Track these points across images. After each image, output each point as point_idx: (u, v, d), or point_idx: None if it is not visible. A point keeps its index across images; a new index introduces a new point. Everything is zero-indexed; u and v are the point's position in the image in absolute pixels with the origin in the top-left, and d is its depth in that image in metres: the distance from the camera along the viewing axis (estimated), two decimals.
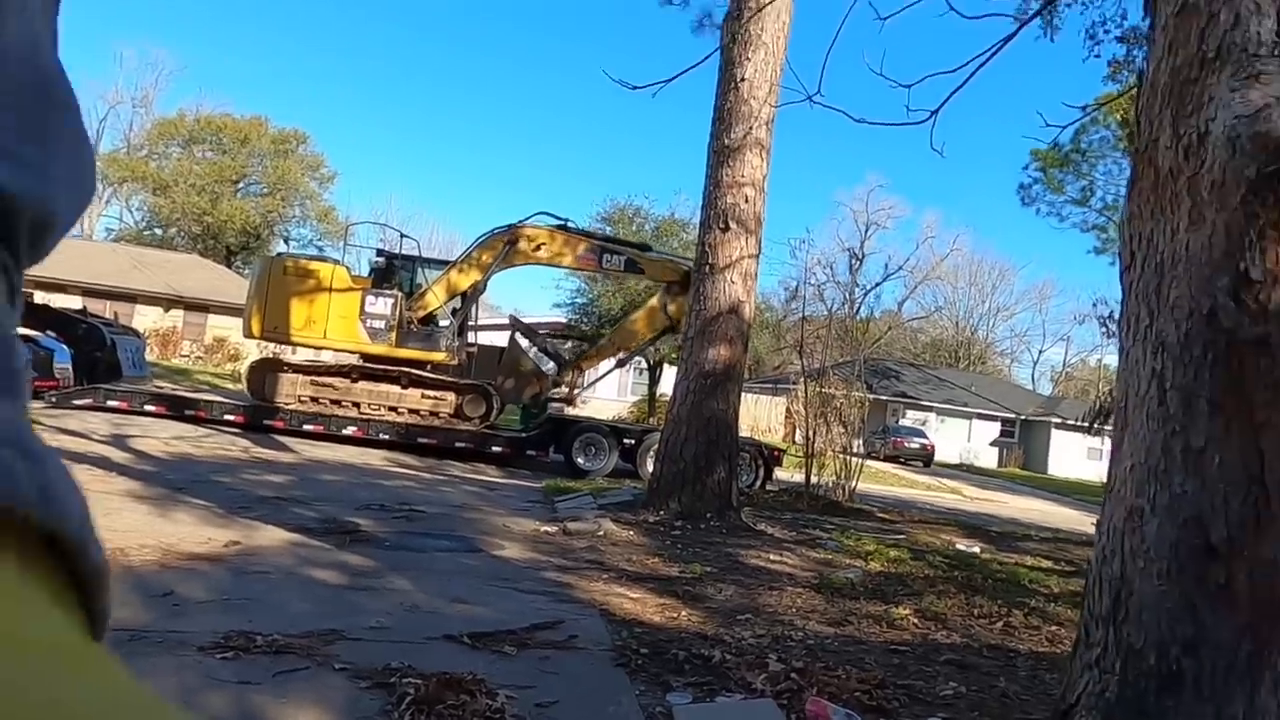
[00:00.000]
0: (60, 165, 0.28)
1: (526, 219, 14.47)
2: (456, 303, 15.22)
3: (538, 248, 14.36)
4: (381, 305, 14.70)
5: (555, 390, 15.90)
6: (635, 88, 4.35)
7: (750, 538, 7.50)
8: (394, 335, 14.55)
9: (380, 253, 16.59)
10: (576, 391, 16.69)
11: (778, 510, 9.88)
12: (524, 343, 15.93)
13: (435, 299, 14.73)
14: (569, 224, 14.70)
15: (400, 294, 14.68)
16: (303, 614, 4.08)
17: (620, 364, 16.55)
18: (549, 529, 7.22)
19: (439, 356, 14.84)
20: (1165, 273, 2.43)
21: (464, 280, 14.57)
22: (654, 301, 15.09)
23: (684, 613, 4.74)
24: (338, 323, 14.71)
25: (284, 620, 3.91)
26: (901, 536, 8.73)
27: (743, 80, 8.03)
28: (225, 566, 4.83)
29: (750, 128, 8.06)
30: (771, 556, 6.71)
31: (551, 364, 15.89)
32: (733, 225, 8.02)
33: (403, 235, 17.30)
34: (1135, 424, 2.50)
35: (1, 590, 0.21)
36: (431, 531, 6.67)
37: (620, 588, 5.23)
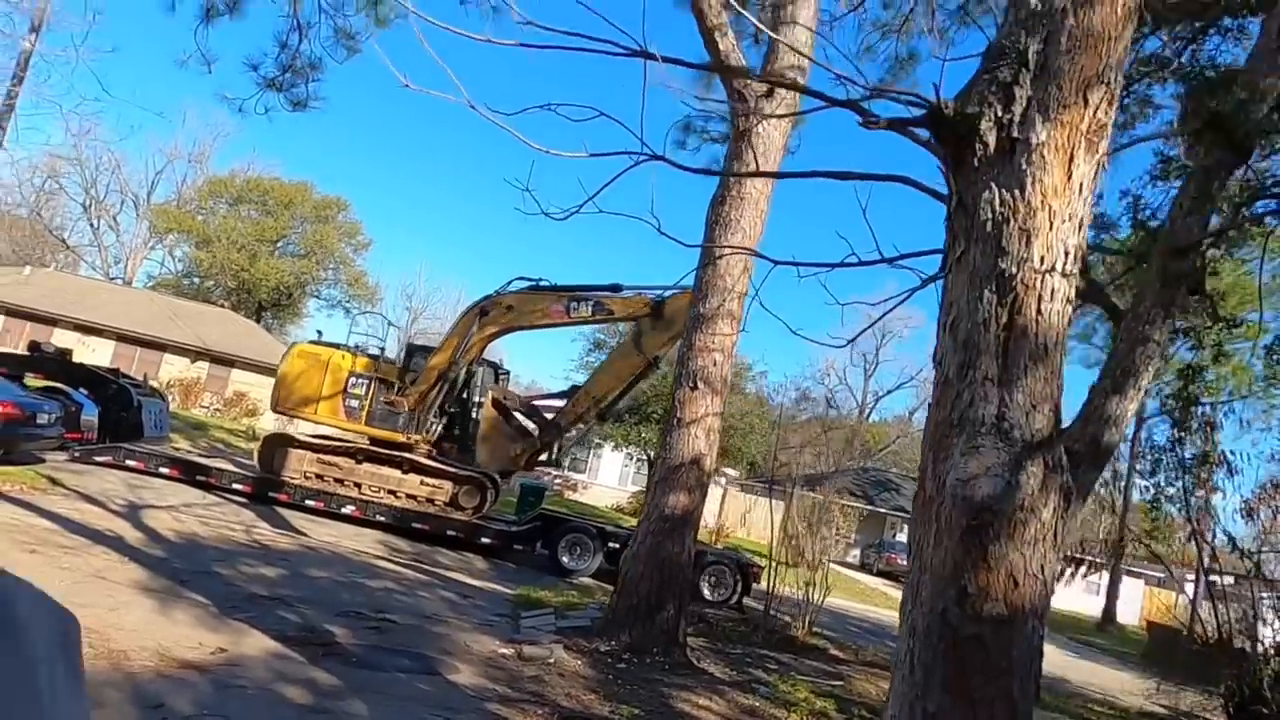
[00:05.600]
0: None
1: (502, 287, 15.25)
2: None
3: (507, 310, 15.04)
4: (359, 387, 16.10)
5: (541, 453, 16.50)
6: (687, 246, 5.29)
7: (689, 677, 8.15)
8: (364, 415, 15.93)
9: (410, 345, 18.33)
10: (560, 450, 17.17)
11: (732, 642, 10.49)
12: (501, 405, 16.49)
13: (425, 382, 15.76)
14: (541, 282, 15.16)
15: (375, 377, 15.97)
16: None
17: (600, 417, 16.82)
18: (505, 651, 7.93)
19: (398, 437, 15.77)
20: (921, 573, 3.29)
21: (443, 359, 15.51)
22: (627, 341, 15.48)
23: None
24: (326, 402, 16.24)
25: None
26: (839, 683, 9.31)
27: (720, 258, 9.09)
28: (210, 678, 5.62)
29: (724, 300, 9.08)
30: (700, 701, 7.37)
31: (532, 424, 16.42)
32: (701, 385, 8.95)
33: (389, 324, 20.58)
34: (895, 682, 3.32)
35: None
36: (398, 647, 7.42)
37: None
